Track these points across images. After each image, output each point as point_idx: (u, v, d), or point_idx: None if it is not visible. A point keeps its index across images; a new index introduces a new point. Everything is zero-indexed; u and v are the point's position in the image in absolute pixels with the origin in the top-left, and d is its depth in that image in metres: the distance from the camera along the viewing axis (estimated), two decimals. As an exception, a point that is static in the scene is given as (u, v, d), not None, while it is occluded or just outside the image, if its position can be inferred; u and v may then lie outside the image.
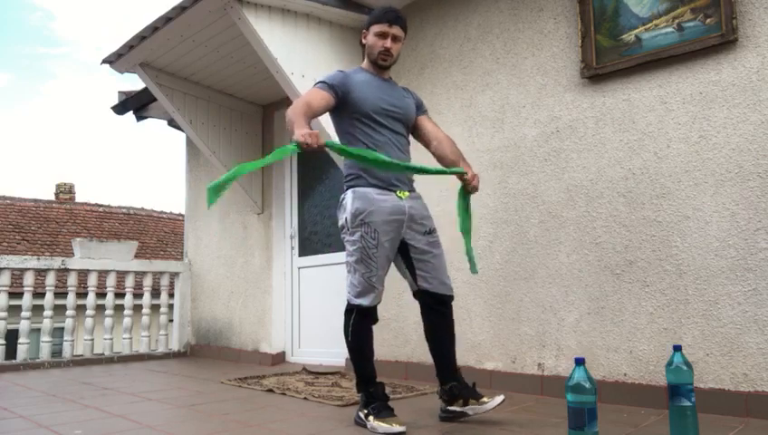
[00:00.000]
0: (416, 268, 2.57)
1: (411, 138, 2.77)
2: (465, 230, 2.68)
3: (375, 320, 2.58)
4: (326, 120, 4.10)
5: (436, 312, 2.59)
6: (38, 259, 5.15)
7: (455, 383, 2.52)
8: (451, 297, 2.62)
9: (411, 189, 2.67)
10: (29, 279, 5.11)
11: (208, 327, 5.86)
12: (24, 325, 4.99)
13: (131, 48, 4.34)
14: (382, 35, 2.60)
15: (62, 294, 5.46)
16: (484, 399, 2.49)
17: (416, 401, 3.12)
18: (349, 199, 2.54)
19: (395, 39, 2.61)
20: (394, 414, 2.42)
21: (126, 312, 5.64)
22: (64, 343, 5.25)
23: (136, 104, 5.83)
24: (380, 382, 2.55)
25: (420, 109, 2.79)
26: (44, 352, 5.06)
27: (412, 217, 2.59)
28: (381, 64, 2.64)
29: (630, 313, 2.93)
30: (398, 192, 2.57)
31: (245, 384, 3.75)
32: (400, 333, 3.99)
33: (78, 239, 5.64)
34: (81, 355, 5.33)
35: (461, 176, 2.61)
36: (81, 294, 5.79)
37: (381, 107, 2.59)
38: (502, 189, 3.52)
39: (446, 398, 2.54)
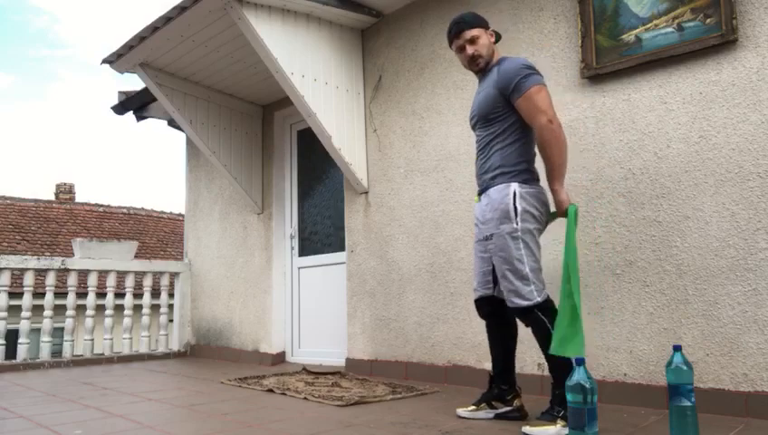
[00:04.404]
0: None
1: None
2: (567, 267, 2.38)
3: (482, 316, 2.72)
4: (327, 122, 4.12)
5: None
6: (38, 259, 5.15)
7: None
8: (518, 309, 2.48)
9: (485, 188, 2.57)
10: (29, 279, 5.11)
11: (208, 327, 5.86)
12: (24, 325, 4.99)
13: (131, 48, 4.34)
14: (459, 50, 2.67)
15: (62, 294, 5.46)
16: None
17: (416, 400, 3.12)
18: None
19: (471, 42, 2.61)
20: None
21: (126, 312, 5.64)
22: (64, 343, 5.24)
23: (136, 104, 5.83)
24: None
25: (509, 91, 2.49)
26: (44, 352, 5.06)
27: (477, 220, 2.64)
28: (476, 70, 2.68)
29: (630, 313, 2.93)
30: (476, 197, 2.66)
31: (245, 384, 3.75)
32: (400, 334, 3.99)
33: (78, 239, 5.64)
34: (81, 355, 5.33)
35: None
36: (81, 294, 5.79)
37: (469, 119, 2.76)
38: (502, 189, 3.52)
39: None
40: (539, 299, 2.42)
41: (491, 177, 2.54)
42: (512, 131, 2.53)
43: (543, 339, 2.42)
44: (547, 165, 2.45)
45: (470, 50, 2.61)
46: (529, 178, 2.51)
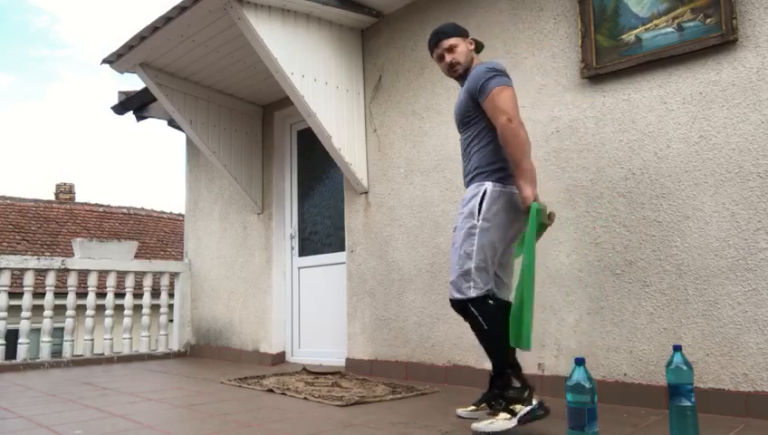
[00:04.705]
0: None
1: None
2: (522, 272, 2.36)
3: None
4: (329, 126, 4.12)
5: None
6: (38, 259, 5.15)
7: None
8: (454, 301, 2.54)
9: (468, 184, 2.64)
10: (29, 279, 5.11)
11: (208, 327, 5.86)
12: (24, 325, 5.00)
13: (131, 48, 4.34)
14: (439, 58, 2.76)
15: (62, 294, 5.46)
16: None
17: (416, 400, 3.12)
18: None
19: (449, 50, 2.70)
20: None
21: (126, 312, 5.64)
22: (64, 343, 5.25)
23: (136, 104, 5.83)
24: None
25: (476, 94, 2.55)
26: (44, 352, 5.06)
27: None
28: (455, 77, 2.75)
29: (630, 313, 2.93)
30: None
31: (245, 384, 3.75)
32: (400, 334, 3.99)
33: (78, 239, 5.64)
34: (81, 355, 5.33)
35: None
36: (81, 294, 5.79)
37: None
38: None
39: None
40: (473, 295, 2.46)
41: (470, 178, 2.62)
42: (485, 133, 2.58)
43: (478, 332, 2.51)
44: (510, 163, 2.49)
45: (448, 58, 2.70)
46: (503, 176, 2.54)
